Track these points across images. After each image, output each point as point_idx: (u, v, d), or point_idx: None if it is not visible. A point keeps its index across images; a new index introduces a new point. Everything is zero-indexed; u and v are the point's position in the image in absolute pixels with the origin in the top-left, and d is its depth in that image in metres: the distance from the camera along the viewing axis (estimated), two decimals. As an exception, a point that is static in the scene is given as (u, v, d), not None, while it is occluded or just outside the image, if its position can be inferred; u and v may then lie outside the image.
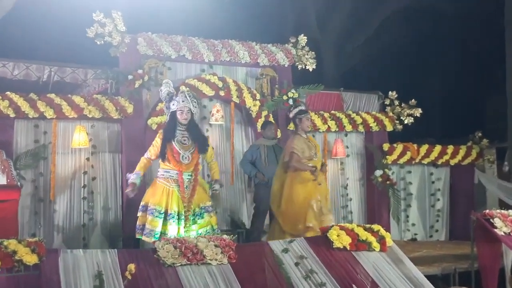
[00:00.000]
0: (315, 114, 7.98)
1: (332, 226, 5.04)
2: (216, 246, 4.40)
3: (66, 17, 9.91)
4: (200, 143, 5.19)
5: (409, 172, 8.70)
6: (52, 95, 6.32)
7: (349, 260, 4.76)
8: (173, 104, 5.10)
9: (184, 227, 4.98)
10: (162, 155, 5.09)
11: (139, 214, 5.15)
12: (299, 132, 5.94)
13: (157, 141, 5.13)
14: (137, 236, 5.10)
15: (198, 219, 5.07)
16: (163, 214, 5.00)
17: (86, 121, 6.60)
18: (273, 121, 7.23)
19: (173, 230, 4.95)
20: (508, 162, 8.74)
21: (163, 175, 5.10)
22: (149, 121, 6.75)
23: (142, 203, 5.18)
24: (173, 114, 5.10)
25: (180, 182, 5.05)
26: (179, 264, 4.23)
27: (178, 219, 4.99)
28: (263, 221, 6.67)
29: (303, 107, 6.05)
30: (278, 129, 7.25)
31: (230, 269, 4.32)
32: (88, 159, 6.62)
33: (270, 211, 6.50)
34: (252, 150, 6.54)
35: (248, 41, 7.65)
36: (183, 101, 5.11)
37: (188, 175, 5.10)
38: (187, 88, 6.96)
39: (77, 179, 6.56)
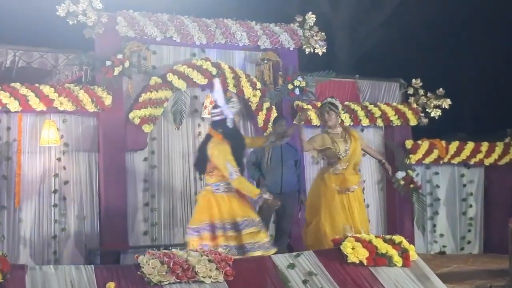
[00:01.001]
0: (326, 105, 7.98)
1: (346, 237, 5.02)
2: (210, 261, 4.37)
3: (32, -8, 9.89)
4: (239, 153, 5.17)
5: (436, 173, 8.71)
6: (17, 84, 6.31)
7: (366, 277, 4.74)
8: (233, 106, 5.13)
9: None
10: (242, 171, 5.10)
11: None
12: (326, 128, 6.04)
13: (229, 154, 4.98)
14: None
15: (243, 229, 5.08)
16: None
17: (57, 115, 6.59)
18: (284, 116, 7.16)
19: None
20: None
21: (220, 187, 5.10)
22: (131, 115, 6.75)
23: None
24: (233, 118, 5.12)
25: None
26: (167, 282, 4.20)
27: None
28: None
29: (329, 100, 6.00)
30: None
31: (226, 288, 4.30)
32: (59, 159, 6.61)
33: (278, 220, 6.51)
34: (256, 149, 6.52)
35: (246, 20, 7.64)
36: (238, 103, 5.27)
37: None
38: (175, 76, 6.96)
39: (47, 183, 6.56)
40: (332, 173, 5.88)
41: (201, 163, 5.13)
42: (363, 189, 8.27)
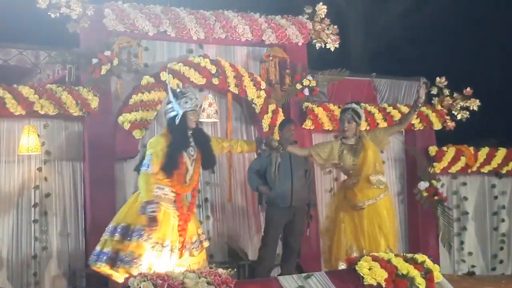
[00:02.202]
0: (339, 108, 7.94)
1: (362, 256, 5.02)
2: (208, 283, 4.40)
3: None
4: (207, 154, 5.32)
5: (464, 184, 8.71)
6: (-8, 85, 6.34)
7: (385, 301, 4.76)
8: (186, 102, 5.21)
9: (176, 260, 5.06)
10: (170, 170, 5.12)
11: (105, 237, 5.16)
12: (341, 136, 6.08)
13: (160, 151, 5.11)
14: (96, 265, 5.12)
15: (195, 250, 5.18)
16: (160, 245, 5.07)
17: (38, 120, 6.60)
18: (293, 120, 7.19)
19: (163, 263, 4.99)
20: None
21: (156, 191, 5.14)
22: (120, 119, 6.77)
23: (115, 224, 5.18)
24: (183, 116, 5.19)
25: (179, 205, 5.18)
26: (161, 307, 4.23)
27: (171, 250, 5.07)
28: (274, 250, 6.68)
29: (353, 106, 6.02)
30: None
31: (227, 314, 4.33)
32: (40, 169, 6.62)
33: (286, 237, 6.55)
34: (261, 157, 6.52)
35: (249, 13, 7.67)
36: (195, 98, 5.31)
37: (186, 195, 5.29)
38: (170, 75, 6.99)
39: (26, 195, 6.56)
40: (347, 187, 5.94)
41: (140, 163, 5.23)
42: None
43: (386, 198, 5.91)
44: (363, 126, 7.90)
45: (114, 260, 5.02)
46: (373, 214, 5.80)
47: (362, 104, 8.07)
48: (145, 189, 5.01)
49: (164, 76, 6.90)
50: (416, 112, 6.00)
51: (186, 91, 5.34)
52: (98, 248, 5.17)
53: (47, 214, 6.62)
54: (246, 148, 5.75)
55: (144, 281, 4.30)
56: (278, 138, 6.61)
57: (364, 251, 5.61)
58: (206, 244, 5.35)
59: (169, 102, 5.28)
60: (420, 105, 5.93)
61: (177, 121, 5.16)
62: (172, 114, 5.21)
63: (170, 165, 5.11)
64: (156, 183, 5.10)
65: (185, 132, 5.22)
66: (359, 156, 5.85)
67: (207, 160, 5.35)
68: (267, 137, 5.85)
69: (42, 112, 6.43)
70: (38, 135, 6.51)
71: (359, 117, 5.93)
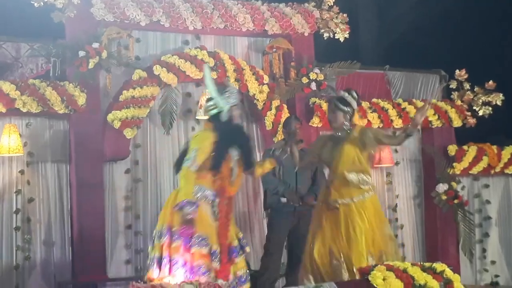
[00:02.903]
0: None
1: (376, 266, 4.99)
2: (207, 296, 4.36)
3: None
4: (248, 153, 5.25)
5: (487, 186, 8.68)
6: (-30, 81, 6.33)
7: (401, 315, 4.71)
8: (229, 97, 5.16)
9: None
10: (218, 167, 5.06)
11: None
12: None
13: (207, 147, 5.02)
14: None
15: (236, 257, 5.15)
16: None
17: (19, 118, 6.60)
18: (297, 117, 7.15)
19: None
20: None
21: (197, 193, 5.06)
22: (110, 116, 6.75)
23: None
24: (229, 111, 5.16)
25: (221, 208, 5.12)
26: (154, 322, 4.21)
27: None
28: (279, 259, 6.65)
29: (340, 95, 5.87)
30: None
31: (228, 330, 4.30)
32: (22, 172, 6.61)
33: (290, 247, 6.52)
34: (265, 157, 6.48)
35: (251, 0, 7.65)
36: (238, 91, 5.34)
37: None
38: (164, 69, 6.95)
39: (7, 200, 6.54)
40: (327, 184, 5.80)
41: (181, 159, 5.11)
42: (395, 206, 8.26)
43: (369, 200, 5.68)
44: (376, 123, 7.93)
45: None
46: (349, 215, 5.58)
47: (375, 99, 8.18)
48: (185, 186, 4.93)
49: (158, 69, 6.89)
50: (407, 138, 5.58)
51: (228, 85, 5.37)
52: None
53: (30, 221, 6.59)
54: (267, 167, 5.59)
55: (136, 293, 4.27)
56: (281, 138, 6.61)
57: (341, 256, 5.52)
58: (248, 249, 5.29)
59: (209, 99, 5.18)
60: (414, 131, 5.54)
61: (223, 116, 5.11)
62: (215, 111, 5.13)
63: (220, 162, 5.04)
64: (197, 183, 5.03)
65: (233, 128, 5.19)
66: (338, 148, 5.69)
67: (248, 160, 5.25)
68: (271, 149, 5.79)
69: (25, 110, 6.40)
70: (20, 135, 6.50)
71: (347, 105, 5.66)
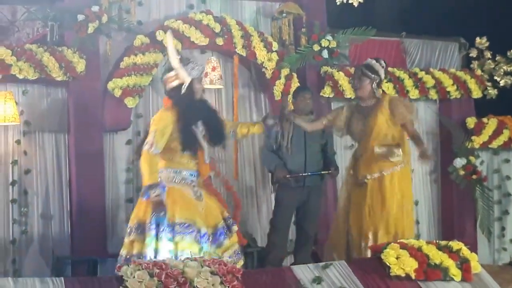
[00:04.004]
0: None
1: (389, 243, 5.03)
2: (213, 273, 4.40)
3: None
4: (215, 127, 5.25)
5: (507, 161, 8.68)
6: (-37, 46, 6.33)
7: (415, 295, 4.77)
8: (193, 68, 5.16)
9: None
10: (191, 146, 5.08)
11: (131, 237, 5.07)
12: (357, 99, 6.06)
13: (165, 128, 5.01)
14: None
15: (224, 238, 5.16)
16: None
17: (15, 85, 6.61)
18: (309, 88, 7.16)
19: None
20: None
21: (173, 176, 5.11)
22: (110, 84, 6.76)
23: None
24: (190, 84, 5.13)
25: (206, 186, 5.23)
26: (158, 300, 4.25)
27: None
28: (286, 236, 6.71)
29: (367, 62, 5.87)
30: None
31: (234, 308, 4.33)
32: (18, 141, 6.64)
33: (299, 223, 6.59)
34: (271, 133, 6.49)
35: (259, -39, 7.62)
36: (201, 64, 5.29)
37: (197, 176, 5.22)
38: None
39: (3, 172, 6.58)
40: (355, 158, 5.90)
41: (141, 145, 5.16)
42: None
43: (399, 173, 5.74)
44: (391, 93, 7.90)
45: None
46: (377, 190, 5.69)
47: (390, 68, 8.15)
48: (148, 171, 4.90)
49: (161, 35, 6.87)
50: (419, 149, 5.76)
51: (191, 57, 5.30)
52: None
53: (27, 193, 6.64)
54: (252, 129, 5.59)
55: (139, 269, 4.31)
56: (291, 108, 6.61)
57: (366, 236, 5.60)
58: (235, 228, 5.28)
59: (170, 69, 5.20)
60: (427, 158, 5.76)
61: (183, 90, 5.08)
62: (175, 83, 5.11)
63: (190, 141, 5.05)
64: (168, 166, 5.07)
65: (195, 103, 5.14)
66: (370, 119, 5.75)
67: (216, 134, 5.24)
68: (265, 116, 5.81)
69: (21, 77, 6.41)
70: (16, 103, 6.51)
71: (375, 73, 5.75)
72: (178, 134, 5.01)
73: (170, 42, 5.23)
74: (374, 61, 5.81)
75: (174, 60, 5.12)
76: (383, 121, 5.69)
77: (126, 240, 5.04)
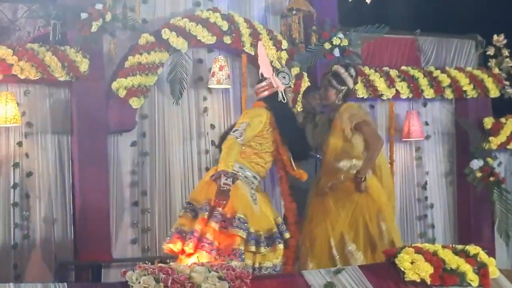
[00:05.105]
0: (375, 71, 7.97)
1: (404, 247, 5.03)
2: (220, 278, 4.40)
3: None
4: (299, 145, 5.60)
5: (526, 162, 8.66)
6: (-37, 45, 6.38)
7: (430, 301, 4.75)
8: (284, 78, 5.53)
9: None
10: (305, 156, 5.56)
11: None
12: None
13: (258, 123, 5.32)
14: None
15: (279, 243, 5.32)
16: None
17: (17, 85, 6.63)
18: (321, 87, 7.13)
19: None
20: None
21: (237, 172, 5.29)
22: (115, 84, 6.77)
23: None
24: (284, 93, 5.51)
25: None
26: (164, 305, 4.26)
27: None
28: None
29: (333, 69, 5.79)
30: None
31: (243, 315, 4.34)
32: (20, 143, 6.66)
33: None
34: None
35: (267, -43, 7.64)
36: (290, 73, 5.73)
37: None
38: (173, 33, 6.96)
39: (4, 175, 6.60)
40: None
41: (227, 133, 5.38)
42: (425, 184, 8.27)
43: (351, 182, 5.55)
44: (405, 92, 7.92)
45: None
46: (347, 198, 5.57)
47: (404, 67, 8.15)
48: (227, 158, 5.14)
49: (167, 33, 6.89)
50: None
51: (282, 67, 5.67)
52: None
53: (29, 197, 6.67)
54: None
55: (145, 275, 4.32)
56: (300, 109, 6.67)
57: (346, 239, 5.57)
58: (287, 235, 5.44)
59: (261, 81, 5.51)
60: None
61: (280, 97, 5.40)
62: (267, 93, 5.46)
63: (306, 150, 5.56)
64: (239, 161, 5.30)
65: (288, 110, 5.52)
66: (326, 134, 5.69)
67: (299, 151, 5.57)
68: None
69: (22, 77, 6.44)
70: (18, 104, 6.54)
71: (341, 83, 5.63)
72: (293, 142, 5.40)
73: (262, 52, 5.47)
74: (343, 70, 5.67)
75: (268, 70, 5.38)
76: (338, 135, 5.57)
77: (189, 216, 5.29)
